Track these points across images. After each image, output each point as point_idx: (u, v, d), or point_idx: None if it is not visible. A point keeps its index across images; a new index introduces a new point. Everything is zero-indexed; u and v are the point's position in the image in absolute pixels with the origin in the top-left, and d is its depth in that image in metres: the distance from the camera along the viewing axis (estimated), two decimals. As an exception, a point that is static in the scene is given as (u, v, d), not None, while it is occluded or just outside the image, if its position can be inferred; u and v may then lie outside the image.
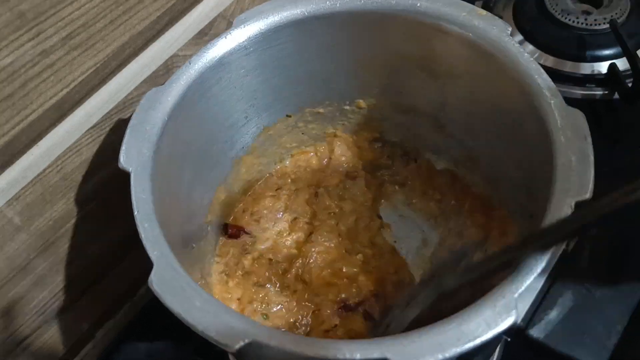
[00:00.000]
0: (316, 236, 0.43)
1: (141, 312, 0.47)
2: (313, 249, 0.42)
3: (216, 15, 0.42)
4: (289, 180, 0.46)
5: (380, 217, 0.45)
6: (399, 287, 0.40)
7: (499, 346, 0.41)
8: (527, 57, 0.33)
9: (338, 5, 0.37)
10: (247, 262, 0.42)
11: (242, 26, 0.37)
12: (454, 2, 0.36)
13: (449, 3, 0.36)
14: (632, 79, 0.51)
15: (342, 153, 0.47)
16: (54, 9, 0.31)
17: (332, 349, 0.25)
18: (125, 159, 0.32)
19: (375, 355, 0.24)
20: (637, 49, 0.53)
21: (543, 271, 0.25)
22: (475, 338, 0.24)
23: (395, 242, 0.43)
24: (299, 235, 0.44)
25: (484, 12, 0.35)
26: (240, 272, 0.42)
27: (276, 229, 0.44)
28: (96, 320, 0.45)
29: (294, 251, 0.43)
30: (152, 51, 0.39)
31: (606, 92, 0.53)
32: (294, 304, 0.40)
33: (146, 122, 0.33)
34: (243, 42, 0.37)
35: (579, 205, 0.27)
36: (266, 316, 0.40)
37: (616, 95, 0.53)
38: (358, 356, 0.25)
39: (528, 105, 0.32)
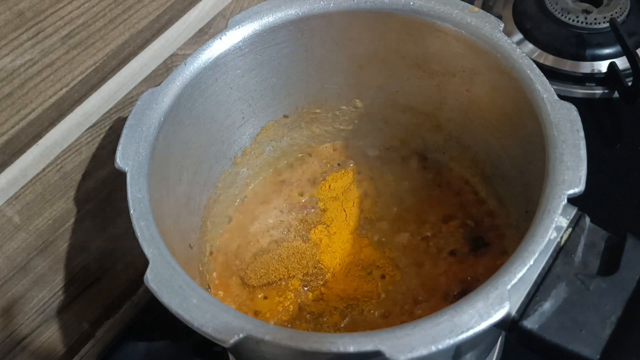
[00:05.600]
0: (315, 232, 0.43)
1: (141, 311, 0.47)
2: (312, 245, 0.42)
3: (216, 14, 0.43)
4: (288, 179, 0.47)
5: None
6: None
7: (499, 342, 0.41)
8: (519, 53, 0.33)
9: (332, 5, 0.37)
10: (245, 260, 0.42)
11: (237, 27, 0.37)
12: (447, 0, 0.36)
13: (442, 1, 0.36)
14: (631, 78, 0.51)
15: (338, 153, 0.47)
16: (53, 7, 0.32)
17: (326, 342, 0.25)
18: (122, 159, 0.32)
19: (369, 348, 0.24)
20: (637, 48, 0.54)
21: (536, 262, 0.25)
22: (468, 329, 0.24)
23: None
24: (299, 232, 0.44)
25: (477, 9, 0.35)
26: (239, 270, 0.42)
27: (274, 227, 0.44)
28: (96, 319, 0.45)
29: (294, 248, 0.43)
30: (151, 50, 0.39)
31: (606, 91, 0.53)
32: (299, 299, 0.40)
33: (142, 123, 0.34)
34: (238, 42, 0.37)
35: (571, 197, 0.27)
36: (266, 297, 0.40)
37: (616, 94, 0.53)
38: (352, 349, 0.25)
39: (521, 101, 0.32)
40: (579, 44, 0.54)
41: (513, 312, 0.25)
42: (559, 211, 0.27)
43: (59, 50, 0.33)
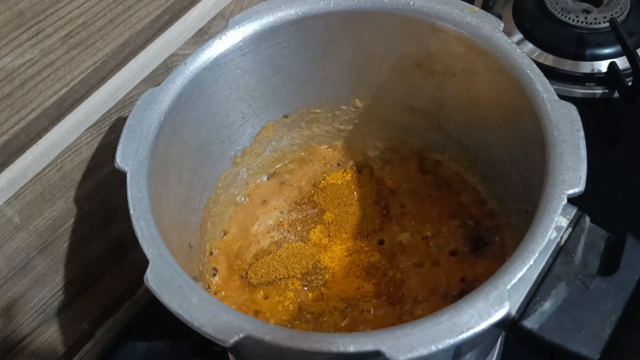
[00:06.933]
0: (314, 232, 0.43)
1: (141, 311, 0.47)
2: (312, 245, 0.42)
3: (216, 14, 0.43)
4: (288, 179, 0.47)
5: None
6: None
7: (499, 341, 0.41)
8: (519, 53, 0.33)
9: (332, 5, 0.37)
10: (246, 260, 0.42)
11: (237, 27, 0.37)
12: (447, 0, 0.36)
13: (442, 1, 0.36)
14: (631, 78, 0.51)
15: (338, 153, 0.47)
16: (53, 7, 0.32)
17: (326, 342, 0.25)
18: (122, 159, 0.33)
19: (369, 348, 0.24)
20: (637, 48, 0.53)
21: (536, 262, 0.25)
22: (468, 329, 0.24)
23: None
24: (299, 232, 0.44)
25: (477, 8, 0.35)
26: (239, 270, 0.42)
27: (274, 227, 0.44)
28: (96, 319, 0.45)
29: (294, 248, 0.43)
30: (151, 50, 0.39)
31: (606, 90, 0.53)
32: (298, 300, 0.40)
33: (142, 123, 0.34)
34: (238, 42, 0.37)
35: (571, 197, 0.27)
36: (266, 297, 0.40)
37: (616, 94, 0.53)
38: (352, 349, 0.25)
39: (521, 101, 0.32)
40: (579, 44, 0.54)
41: (513, 312, 0.25)
42: (559, 211, 0.27)
43: (59, 50, 0.33)
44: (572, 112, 0.30)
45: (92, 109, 0.37)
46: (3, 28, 0.30)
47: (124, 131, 0.33)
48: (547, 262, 0.26)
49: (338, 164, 0.47)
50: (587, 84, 0.54)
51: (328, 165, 0.47)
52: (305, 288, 0.41)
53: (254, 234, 0.44)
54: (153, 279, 0.28)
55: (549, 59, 0.55)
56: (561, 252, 0.26)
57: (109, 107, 0.38)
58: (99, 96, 0.37)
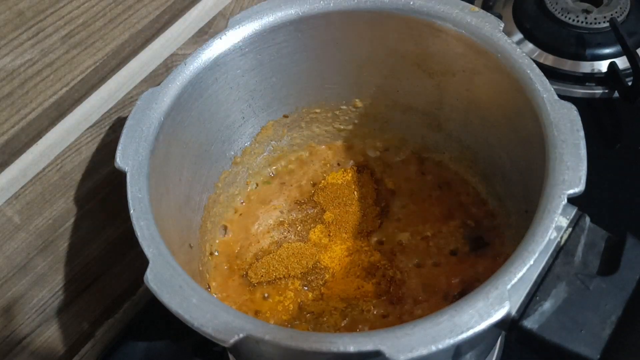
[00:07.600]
0: (314, 232, 0.43)
1: (141, 311, 0.47)
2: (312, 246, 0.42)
3: (216, 14, 0.43)
4: (288, 179, 0.47)
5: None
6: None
7: (499, 341, 0.41)
8: (519, 53, 0.33)
9: (332, 5, 0.37)
10: (246, 260, 0.42)
11: (237, 27, 0.37)
12: (447, 0, 0.36)
13: (442, 1, 0.36)
14: (632, 78, 0.51)
15: (338, 153, 0.47)
16: (53, 7, 0.32)
17: (326, 342, 0.25)
18: (122, 159, 0.33)
19: (369, 348, 0.24)
20: (637, 48, 0.54)
21: (536, 262, 0.25)
22: (468, 329, 0.24)
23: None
24: (299, 232, 0.44)
25: (477, 8, 0.35)
26: (239, 269, 0.42)
27: (275, 227, 0.44)
28: (96, 319, 0.45)
29: (294, 248, 0.43)
30: (151, 50, 0.39)
31: (606, 90, 0.54)
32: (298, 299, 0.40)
33: (142, 122, 0.34)
34: (238, 42, 0.37)
35: (571, 197, 0.27)
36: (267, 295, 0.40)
37: (616, 94, 0.53)
38: (352, 349, 0.25)
39: (521, 101, 0.32)
40: (579, 44, 0.55)
41: (513, 312, 0.25)
42: (559, 211, 0.27)
43: (59, 50, 0.33)
44: (572, 112, 0.30)
45: (92, 109, 0.37)
46: (3, 28, 0.30)
47: (124, 131, 0.33)
48: (547, 262, 0.26)
49: (338, 164, 0.47)
50: (587, 84, 0.54)
51: (328, 165, 0.47)
52: (305, 288, 0.41)
53: (254, 234, 0.44)
54: (153, 279, 0.28)
55: (549, 59, 0.55)
56: (561, 252, 0.26)
57: (109, 107, 0.38)
58: (99, 96, 0.37)
